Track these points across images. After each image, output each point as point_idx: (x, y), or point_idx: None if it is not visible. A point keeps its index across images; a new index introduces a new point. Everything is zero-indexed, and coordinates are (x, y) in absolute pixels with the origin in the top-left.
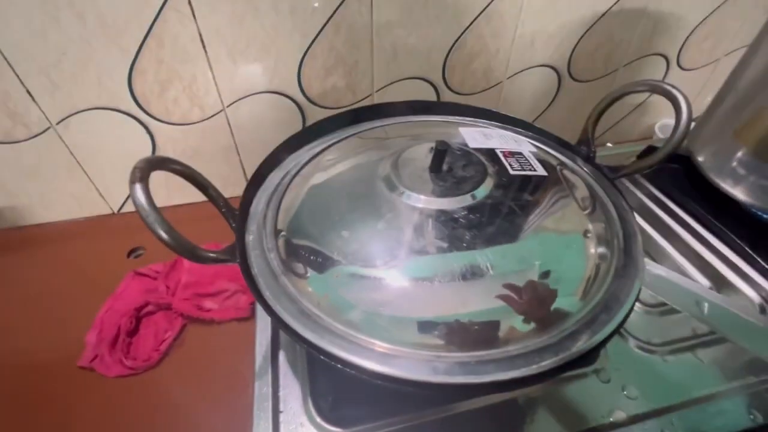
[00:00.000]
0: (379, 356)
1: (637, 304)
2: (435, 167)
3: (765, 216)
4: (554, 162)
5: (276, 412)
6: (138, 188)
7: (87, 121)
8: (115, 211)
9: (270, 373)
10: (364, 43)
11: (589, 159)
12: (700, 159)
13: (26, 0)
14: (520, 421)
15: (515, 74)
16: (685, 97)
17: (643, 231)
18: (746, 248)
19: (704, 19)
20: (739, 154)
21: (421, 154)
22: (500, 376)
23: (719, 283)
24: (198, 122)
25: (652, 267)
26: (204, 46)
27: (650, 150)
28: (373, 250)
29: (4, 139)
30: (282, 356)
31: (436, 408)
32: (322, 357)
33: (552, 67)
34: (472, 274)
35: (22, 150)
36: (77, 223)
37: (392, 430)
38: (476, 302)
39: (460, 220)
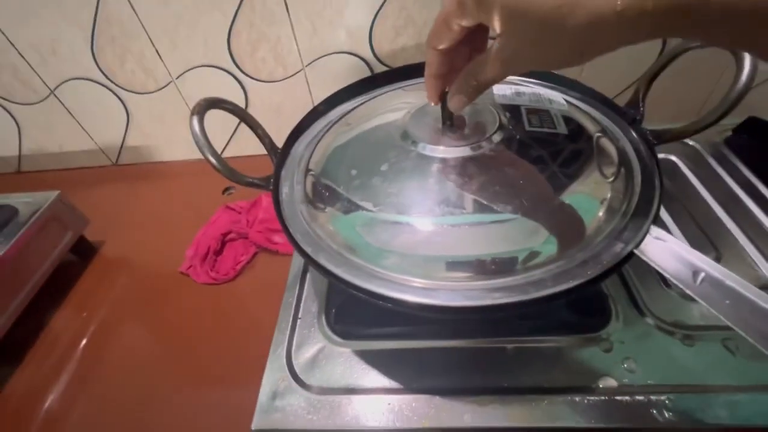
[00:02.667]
0: (391, 284)
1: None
2: (444, 118)
3: None
4: (588, 123)
5: (295, 317)
6: (195, 120)
7: (197, 77)
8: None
9: (297, 287)
10: (434, 2)
11: (634, 122)
12: None
13: None
14: (506, 368)
15: None
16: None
17: (717, 220)
18: None
19: None
20: None
21: (436, 108)
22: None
23: None
24: (281, 80)
25: (655, 232)
26: (287, 9)
27: (751, 121)
28: (382, 195)
29: (141, 90)
30: (309, 277)
31: (430, 339)
32: (317, 270)
33: None
34: (470, 221)
35: (152, 99)
36: (191, 163)
37: (385, 349)
38: (482, 245)
39: (465, 169)
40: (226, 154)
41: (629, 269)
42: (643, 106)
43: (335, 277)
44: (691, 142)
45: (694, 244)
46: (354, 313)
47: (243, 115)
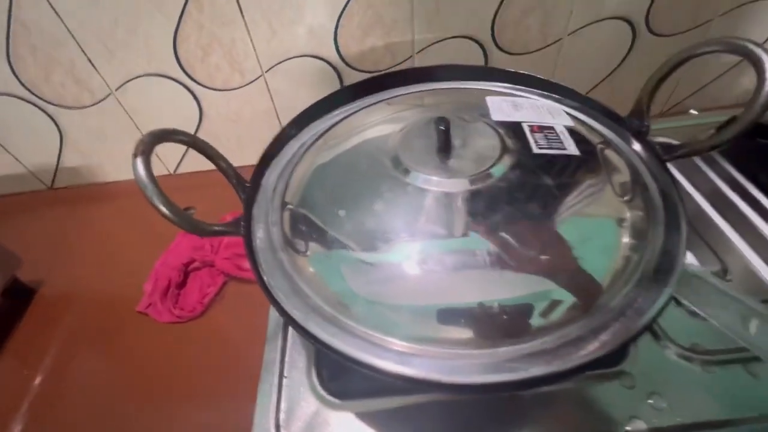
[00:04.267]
0: (370, 344)
1: (684, 305)
2: (441, 145)
3: None
4: (594, 138)
5: (281, 377)
6: (139, 163)
7: (141, 87)
8: (172, 172)
9: (280, 338)
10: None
11: (640, 135)
12: None
13: None
14: (527, 415)
15: (579, 29)
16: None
17: (709, 220)
18: None
19: None
20: None
21: (432, 129)
22: (516, 376)
23: None
24: (239, 87)
25: (692, 270)
26: (240, 9)
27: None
28: (372, 233)
29: (73, 104)
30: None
31: (439, 393)
32: (306, 338)
33: (625, 19)
34: (473, 263)
35: (89, 114)
36: None
37: (391, 408)
38: (483, 292)
39: (469, 204)
40: (182, 170)
41: None
42: (648, 115)
43: (333, 351)
44: (675, 142)
45: (699, 255)
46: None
47: (201, 146)
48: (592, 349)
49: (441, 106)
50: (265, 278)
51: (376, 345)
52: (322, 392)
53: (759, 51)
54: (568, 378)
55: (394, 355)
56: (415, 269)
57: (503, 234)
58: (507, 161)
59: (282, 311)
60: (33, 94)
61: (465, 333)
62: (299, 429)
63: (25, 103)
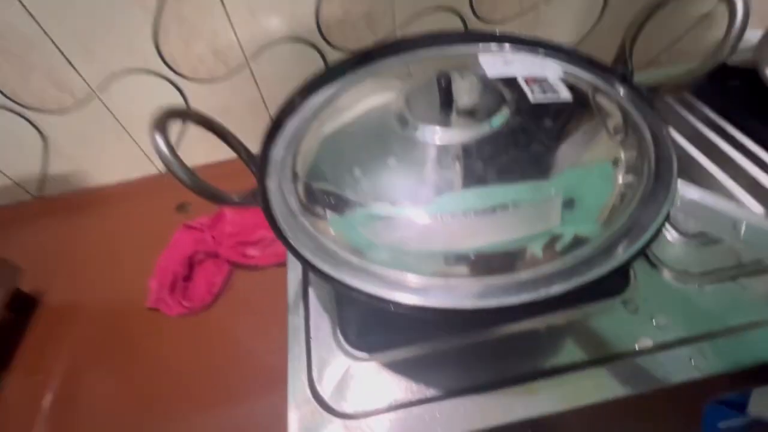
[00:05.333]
0: (411, 289)
1: (674, 234)
2: (443, 99)
3: None
4: (584, 86)
5: (308, 340)
6: (158, 136)
7: (124, 85)
8: (162, 171)
9: (302, 306)
10: None
11: (625, 80)
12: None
13: None
14: (542, 349)
15: None
16: None
17: (691, 159)
18: None
19: None
20: None
21: (433, 88)
22: (533, 296)
23: None
24: (224, 78)
25: (685, 189)
26: None
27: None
28: (388, 188)
29: (55, 108)
30: (312, 292)
31: (459, 335)
32: (337, 287)
33: None
34: (488, 206)
35: (72, 117)
36: (130, 184)
37: (415, 356)
38: (492, 234)
39: (474, 152)
40: None
41: None
42: (630, 61)
43: (360, 293)
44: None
45: None
46: (372, 321)
47: (210, 124)
48: (602, 267)
49: (436, 69)
50: (290, 239)
51: (395, 283)
52: (349, 348)
53: None
54: (586, 293)
55: (412, 290)
56: (426, 218)
57: (509, 177)
58: (507, 111)
59: (309, 265)
60: (12, 100)
61: (477, 266)
62: (332, 384)
63: (5, 111)
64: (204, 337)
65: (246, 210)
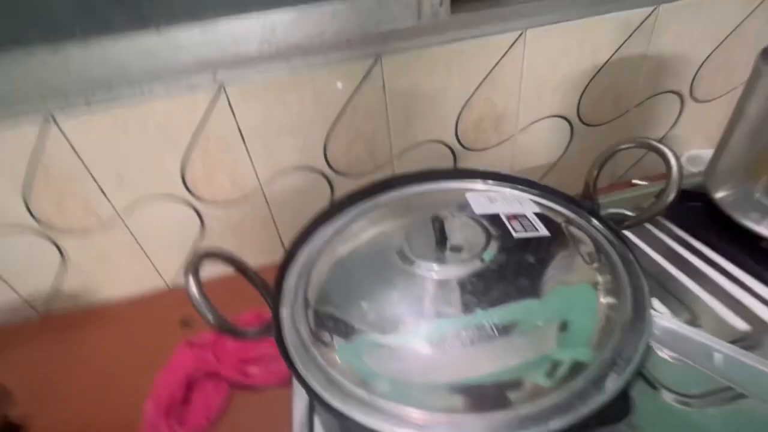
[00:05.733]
0: (415, 426)
1: (669, 353)
2: (438, 239)
3: None
4: (559, 219)
5: None
6: (191, 281)
7: (146, 208)
8: (170, 286)
9: None
10: (380, 117)
11: (593, 212)
12: (718, 196)
13: (100, 117)
14: None
15: (526, 126)
16: (673, 152)
17: (667, 273)
18: None
19: (711, 53)
20: (757, 189)
21: (429, 227)
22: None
23: (757, 324)
24: (239, 201)
25: (660, 319)
26: (242, 137)
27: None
28: (390, 319)
29: (78, 229)
30: (317, 423)
31: None
32: (343, 422)
33: (562, 117)
34: (486, 335)
35: (94, 237)
36: (137, 298)
37: None
38: (493, 361)
39: (468, 285)
40: (181, 281)
41: None
42: (596, 197)
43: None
44: (627, 212)
45: (670, 307)
46: None
47: (235, 262)
48: (599, 398)
49: (431, 206)
50: (300, 371)
51: (400, 419)
52: None
53: (662, 147)
54: (585, 427)
55: (418, 428)
56: (429, 348)
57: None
58: (494, 246)
59: (319, 399)
60: (43, 224)
61: (480, 400)
62: None
63: (32, 234)
64: None
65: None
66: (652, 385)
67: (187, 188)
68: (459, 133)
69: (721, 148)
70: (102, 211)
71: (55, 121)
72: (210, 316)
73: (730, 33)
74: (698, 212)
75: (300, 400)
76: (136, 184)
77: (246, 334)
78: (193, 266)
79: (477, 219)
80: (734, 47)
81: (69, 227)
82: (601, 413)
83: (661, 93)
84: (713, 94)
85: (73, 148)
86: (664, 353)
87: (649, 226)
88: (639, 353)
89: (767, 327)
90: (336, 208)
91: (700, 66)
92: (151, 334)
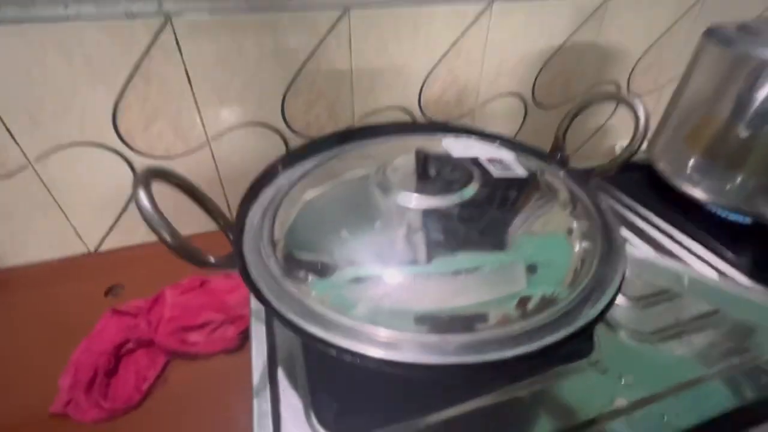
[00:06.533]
0: (384, 345)
1: (623, 298)
2: (421, 172)
3: (724, 213)
4: (534, 167)
5: (277, 428)
6: (142, 193)
7: (67, 158)
8: (92, 251)
9: (269, 389)
10: (344, 77)
11: (563, 164)
12: (660, 166)
13: (11, 41)
14: (524, 419)
15: (485, 102)
16: (642, 103)
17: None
18: (714, 243)
19: (647, 50)
20: (693, 158)
21: (409, 162)
22: (502, 354)
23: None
24: (181, 156)
25: (633, 251)
26: (190, 82)
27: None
28: (369, 250)
29: None
30: (281, 373)
31: (439, 411)
32: (324, 348)
33: (518, 95)
34: (464, 269)
35: None
36: (51, 264)
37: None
38: (469, 295)
39: (450, 217)
40: (105, 247)
41: None
42: (565, 149)
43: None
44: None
45: None
46: (349, 401)
47: (191, 189)
48: (576, 323)
49: (407, 150)
50: (269, 299)
51: (370, 338)
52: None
53: (630, 98)
54: (559, 356)
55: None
56: (403, 278)
57: (480, 242)
58: (476, 183)
59: (291, 325)
60: None
61: (449, 325)
62: None
63: None
64: None
65: (190, 291)
66: (610, 325)
67: (119, 137)
68: (422, 103)
69: (662, 123)
70: (9, 157)
71: None
72: (166, 235)
73: (664, 32)
74: (641, 181)
75: (259, 352)
76: (55, 128)
77: (207, 262)
78: (144, 179)
79: (457, 159)
80: (665, 47)
81: None
82: (569, 349)
83: (605, 83)
84: (646, 88)
85: None
86: (618, 298)
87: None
88: (616, 281)
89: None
90: (308, 149)
91: (638, 61)
92: (70, 304)
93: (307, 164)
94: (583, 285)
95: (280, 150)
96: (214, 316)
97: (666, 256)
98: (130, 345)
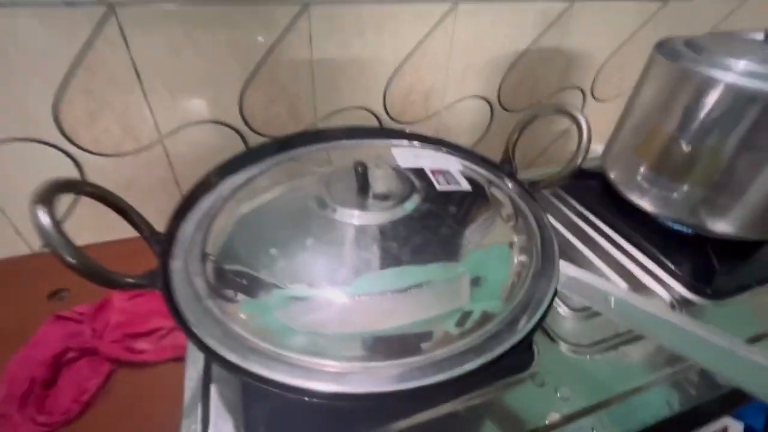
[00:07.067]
0: (322, 374)
1: (565, 309)
2: (361, 185)
3: (668, 223)
4: (480, 179)
5: None
6: (40, 210)
7: (7, 154)
8: (36, 251)
9: (200, 409)
10: (305, 75)
11: (511, 175)
12: (612, 175)
13: None
14: (465, 426)
15: (451, 104)
16: (585, 117)
17: (568, 242)
18: (656, 253)
19: (610, 56)
20: (641, 169)
21: (351, 175)
22: (450, 374)
23: (636, 285)
24: (132, 153)
25: (566, 268)
26: (138, 76)
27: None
28: (306, 269)
29: None
30: (214, 390)
31: (377, 428)
32: (246, 379)
33: (484, 98)
34: (404, 286)
35: None
36: None
37: None
38: (409, 313)
39: (389, 233)
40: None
41: None
42: (514, 161)
43: (276, 385)
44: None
45: None
46: (283, 424)
47: (108, 198)
48: (510, 340)
49: (353, 158)
50: (192, 327)
51: (312, 371)
52: None
53: (576, 112)
54: (498, 371)
55: (331, 377)
56: (343, 298)
57: (421, 257)
58: (417, 197)
59: (214, 354)
60: None
61: (394, 348)
62: None
63: None
64: None
65: (139, 296)
66: (551, 337)
67: (62, 132)
68: (387, 103)
69: (615, 133)
70: None
71: None
72: (67, 255)
73: (627, 40)
74: (594, 189)
75: (193, 367)
76: None
77: (121, 282)
78: (45, 194)
79: (401, 171)
80: (629, 53)
81: None
82: (509, 362)
83: (568, 88)
84: (608, 95)
85: None
86: (562, 309)
87: (553, 199)
88: (548, 297)
89: (642, 285)
90: (249, 155)
91: (602, 66)
92: (10, 308)
93: (251, 171)
94: (519, 299)
95: (238, 148)
96: (163, 322)
97: (597, 274)
98: (71, 354)
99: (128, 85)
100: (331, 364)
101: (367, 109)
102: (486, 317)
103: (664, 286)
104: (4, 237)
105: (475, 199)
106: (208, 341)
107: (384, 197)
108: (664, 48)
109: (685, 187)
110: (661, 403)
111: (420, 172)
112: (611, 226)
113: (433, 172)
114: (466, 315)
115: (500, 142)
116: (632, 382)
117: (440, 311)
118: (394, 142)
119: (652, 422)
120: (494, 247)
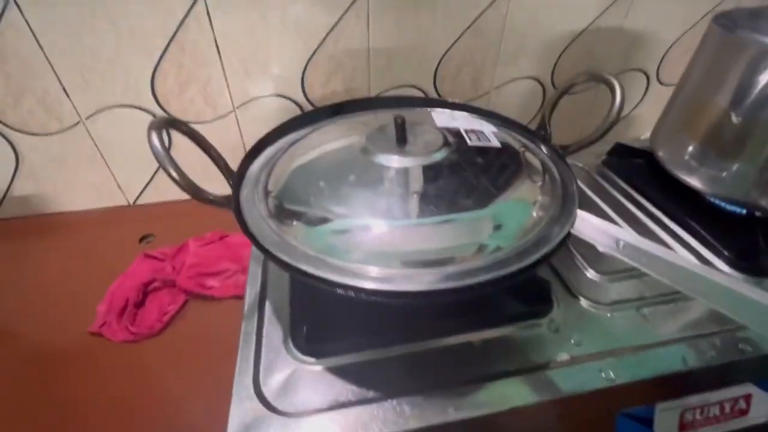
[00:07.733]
0: (373, 279)
1: (593, 272)
2: (399, 136)
3: (718, 202)
4: (513, 142)
5: (258, 344)
6: (154, 135)
7: (112, 117)
8: (131, 203)
9: (256, 316)
10: (361, 53)
11: (545, 140)
12: (660, 154)
13: (67, 8)
14: (475, 360)
15: (502, 84)
16: (619, 82)
17: (612, 221)
18: (704, 233)
19: (680, 37)
20: (690, 147)
21: (392, 129)
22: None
23: None
24: (210, 121)
25: (582, 216)
26: (219, 52)
27: (619, 147)
28: (351, 204)
29: (39, 131)
30: (268, 303)
31: (401, 344)
32: (297, 275)
33: (536, 79)
34: (434, 221)
35: (52, 141)
36: (95, 212)
37: (359, 362)
38: (438, 241)
39: (423, 177)
40: (141, 201)
41: (558, 264)
42: (549, 127)
43: (320, 280)
44: (580, 164)
45: None
46: (321, 329)
47: (197, 137)
48: (527, 261)
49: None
50: (255, 236)
51: (357, 273)
52: (298, 354)
53: (610, 77)
54: (514, 279)
55: (372, 279)
56: (385, 228)
57: (450, 200)
58: (449, 149)
59: (273, 257)
60: None
61: (425, 262)
62: (277, 385)
63: None
64: (146, 367)
65: (210, 242)
66: (572, 294)
67: (157, 101)
68: (437, 81)
69: (667, 110)
70: (63, 112)
71: (17, 3)
72: (173, 172)
73: (702, 17)
74: (642, 168)
75: (253, 283)
76: (102, 89)
77: (206, 198)
78: (157, 125)
79: (438, 128)
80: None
81: (26, 126)
82: (530, 308)
83: (630, 70)
84: (676, 79)
85: (35, 36)
86: (589, 272)
87: (599, 178)
88: (560, 235)
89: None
90: (306, 117)
91: (670, 47)
92: (109, 247)
93: (305, 131)
94: (530, 238)
95: None
96: (229, 265)
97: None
98: (156, 284)
99: (211, 61)
100: (373, 270)
101: (418, 88)
102: (499, 249)
103: (710, 266)
104: (109, 190)
105: (505, 157)
106: (268, 246)
107: (419, 147)
108: (721, 19)
109: (737, 165)
110: (677, 358)
111: (455, 131)
112: (657, 206)
113: (466, 131)
114: (483, 247)
115: (553, 124)
116: (647, 339)
117: (463, 242)
118: (438, 110)
119: (667, 373)
120: (519, 202)
